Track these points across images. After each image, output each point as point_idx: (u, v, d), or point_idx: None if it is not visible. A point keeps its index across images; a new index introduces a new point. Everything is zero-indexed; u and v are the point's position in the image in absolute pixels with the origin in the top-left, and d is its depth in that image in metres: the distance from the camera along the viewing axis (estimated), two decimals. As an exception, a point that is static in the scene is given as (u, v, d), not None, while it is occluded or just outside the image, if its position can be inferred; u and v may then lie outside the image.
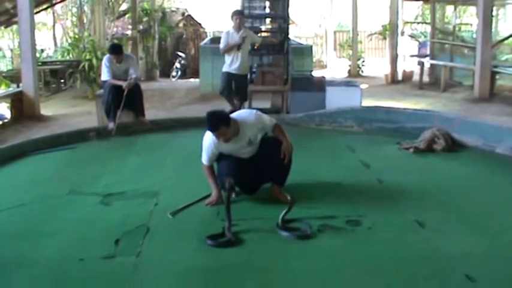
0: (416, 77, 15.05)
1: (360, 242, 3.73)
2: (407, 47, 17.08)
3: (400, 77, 15.73)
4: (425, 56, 15.40)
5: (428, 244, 3.68)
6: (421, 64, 14.56)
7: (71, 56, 14.37)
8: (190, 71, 18.85)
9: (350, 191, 4.78)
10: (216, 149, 4.35)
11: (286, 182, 4.59)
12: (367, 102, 9.54)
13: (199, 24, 21.50)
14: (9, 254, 3.61)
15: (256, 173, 4.49)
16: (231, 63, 8.69)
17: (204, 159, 4.41)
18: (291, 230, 3.85)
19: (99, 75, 8.85)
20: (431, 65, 14.71)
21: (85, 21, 15.64)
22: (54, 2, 15.14)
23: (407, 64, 16.43)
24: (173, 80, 17.95)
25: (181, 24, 20.79)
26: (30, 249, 3.68)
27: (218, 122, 4.15)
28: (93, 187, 4.97)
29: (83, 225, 4.10)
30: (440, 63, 13.88)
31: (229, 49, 8.61)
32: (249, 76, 9.07)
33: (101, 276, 3.28)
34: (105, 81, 7.56)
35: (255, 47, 9.17)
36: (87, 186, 5.03)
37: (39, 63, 12.84)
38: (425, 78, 14.56)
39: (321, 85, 8.96)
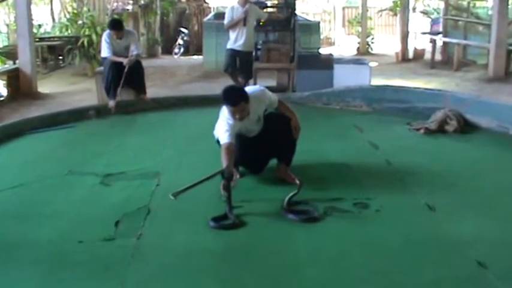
0: (428, 55, 14.94)
1: (367, 225, 3.73)
2: (419, 24, 16.97)
3: (411, 55, 15.63)
4: (438, 33, 15.26)
5: (439, 228, 3.67)
6: (433, 42, 14.43)
7: (69, 31, 14.29)
8: (193, 47, 18.77)
9: (358, 173, 4.77)
10: (236, 128, 4.23)
11: (292, 161, 4.60)
12: (377, 81, 9.49)
13: (203, -1, 21.37)
14: (9, 235, 3.63)
15: (262, 151, 4.50)
16: (235, 40, 8.66)
17: (225, 136, 4.14)
18: (296, 212, 3.85)
19: (99, 51, 8.82)
20: (444, 42, 14.57)
21: (84, -5, 15.53)
22: (51, -25, 15.05)
23: (419, 42, 16.31)
24: (175, 57, 17.88)
25: (184, -1, 20.66)
26: (30, 230, 3.69)
27: (239, 97, 4.10)
28: (93, 167, 4.98)
29: (83, 206, 4.12)
30: (454, 41, 13.74)
31: (233, 24, 8.58)
32: (254, 53, 9.03)
33: (101, 258, 3.29)
34: (105, 58, 7.55)
35: (261, 23, 9.11)
36: (87, 166, 5.05)
37: (37, 39, 12.79)
38: (438, 57, 14.44)
39: (328, 63, 8.92)
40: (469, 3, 15.36)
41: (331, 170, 4.86)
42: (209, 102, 7.23)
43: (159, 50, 17.95)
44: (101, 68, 8.07)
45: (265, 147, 4.49)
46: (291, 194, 3.94)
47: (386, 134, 6.13)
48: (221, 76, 10.19)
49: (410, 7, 15.75)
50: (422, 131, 6.11)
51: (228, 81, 8.80)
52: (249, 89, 4.49)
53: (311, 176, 4.56)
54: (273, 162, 4.65)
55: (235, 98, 4.11)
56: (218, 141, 4.32)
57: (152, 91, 8.92)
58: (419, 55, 15.57)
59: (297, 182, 4.07)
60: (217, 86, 9.83)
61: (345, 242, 3.50)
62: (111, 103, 7.33)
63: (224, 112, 4.26)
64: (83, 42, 12.40)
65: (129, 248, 3.39)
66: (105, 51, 7.48)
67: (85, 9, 14.13)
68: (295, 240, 3.52)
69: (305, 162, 4.85)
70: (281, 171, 4.55)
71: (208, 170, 4.56)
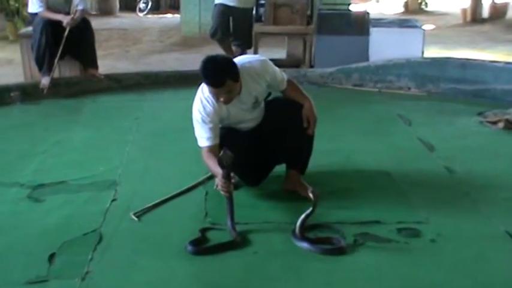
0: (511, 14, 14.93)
1: (418, 262, 3.70)
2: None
3: (486, 13, 15.58)
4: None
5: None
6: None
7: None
8: (166, 2, 18.77)
9: (403, 185, 4.77)
10: (218, 117, 4.27)
11: (308, 166, 4.59)
12: (433, 52, 9.48)
13: None
14: None
15: (263, 153, 4.49)
16: (228, -9, 8.67)
17: (204, 137, 4.24)
18: (314, 240, 3.84)
19: (26, 5, 8.81)
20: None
21: None
22: None
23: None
24: (141, 15, 17.90)
25: None
26: None
27: (223, 74, 4.07)
28: (17, 174, 4.98)
29: None
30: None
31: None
32: (254, 11, 9.01)
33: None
34: (35, 15, 7.53)
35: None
36: (7, 173, 5.05)
37: None
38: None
39: (362, 26, 8.90)
40: None
41: (365, 180, 4.86)
42: (188, 81, 7.21)
43: (117, 5, 17.95)
44: (29, 29, 8.04)
45: (267, 147, 4.49)
46: (306, 214, 3.93)
47: (447, 129, 6.13)
48: (206, 44, 10.19)
49: None
50: (501, 124, 6.11)
51: (217, 52, 8.81)
52: (242, 59, 4.45)
53: (335, 189, 4.57)
54: (279, 169, 4.65)
55: (217, 74, 4.07)
56: None
57: (107, 64, 8.91)
58: (498, 13, 15.53)
59: (310, 195, 4.02)
60: (200, 58, 9.86)
61: (383, 285, 3.49)
62: (45, 81, 7.33)
63: (204, 90, 4.26)
64: (-1, -11, 12.38)
65: (69, 292, 3.38)
66: (34, 5, 7.46)
67: None
68: (312, 281, 3.51)
69: (327, 169, 4.85)
70: (292, 181, 4.55)
71: (186, 177, 4.56)
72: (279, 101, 4.56)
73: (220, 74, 4.06)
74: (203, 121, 4.21)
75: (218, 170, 3.98)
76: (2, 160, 5.36)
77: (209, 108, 4.20)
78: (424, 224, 4.10)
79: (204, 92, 4.24)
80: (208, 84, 4.10)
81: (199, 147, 4.28)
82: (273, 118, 4.48)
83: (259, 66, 4.36)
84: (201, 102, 4.23)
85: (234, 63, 4.17)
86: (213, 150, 4.17)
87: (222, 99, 4.11)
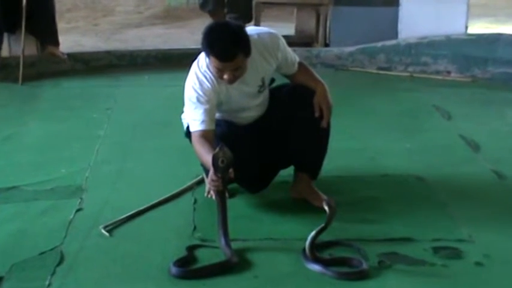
0: None
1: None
2: None
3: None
4: None
5: None
6: None
7: None
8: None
9: (441, 193, 4.77)
10: (216, 98, 4.24)
11: (322, 170, 4.59)
12: (480, 27, 9.47)
13: None
14: None
15: (267, 152, 4.49)
16: (222, -51, 8.68)
17: (198, 120, 4.19)
18: (328, 262, 3.84)
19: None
20: None
21: None
22: None
23: None
24: (113, -20, 17.93)
25: None
26: None
27: (236, 45, 4.04)
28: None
29: None
30: None
31: None
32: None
33: None
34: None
35: None
36: None
37: None
38: None
39: (390, -6, 8.92)
40: None
41: (393, 188, 4.86)
42: (173, 62, 7.22)
43: (84, -34, 17.97)
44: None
45: (272, 144, 4.49)
46: (318, 229, 3.93)
47: (496, 124, 6.16)
48: (195, 16, 10.19)
49: None
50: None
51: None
52: (249, 30, 4.37)
53: (356, 198, 4.58)
54: (286, 172, 4.67)
55: (228, 45, 4.04)
56: (189, 132, 4.31)
57: (71, 40, 8.91)
58: None
59: (325, 207, 4.02)
60: (187, 34, 9.88)
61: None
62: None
63: (201, 64, 4.26)
64: None
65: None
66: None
67: None
68: (326, 313, 3.53)
69: (345, 173, 4.88)
70: (301, 187, 4.56)
71: (170, 183, 4.56)
72: (285, 87, 4.56)
73: (232, 45, 4.03)
74: (198, 101, 4.18)
75: (207, 157, 3.96)
76: None
77: (207, 85, 4.19)
78: (467, 243, 4.08)
79: (201, 66, 4.23)
80: (215, 56, 4.05)
81: (190, 133, 4.24)
82: (279, 109, 4.47)
83: (270, 41, 4.36)
84: (197, 78, 4.21)
85: (247, 34, 4.14)
86: (206, 135, 4.15)
87: (226, 76, 4.08)
